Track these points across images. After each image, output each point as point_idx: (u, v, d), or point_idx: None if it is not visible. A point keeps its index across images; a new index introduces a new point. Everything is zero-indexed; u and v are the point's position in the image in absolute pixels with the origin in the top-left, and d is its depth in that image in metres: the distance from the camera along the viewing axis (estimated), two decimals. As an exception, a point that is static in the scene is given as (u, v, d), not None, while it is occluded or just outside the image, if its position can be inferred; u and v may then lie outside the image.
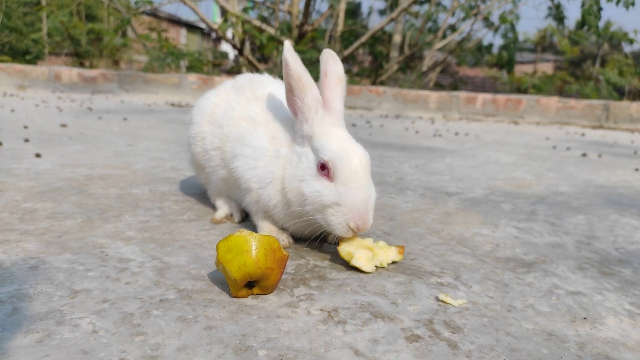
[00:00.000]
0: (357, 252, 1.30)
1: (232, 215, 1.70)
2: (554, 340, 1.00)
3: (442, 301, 1.14)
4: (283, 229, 1.50)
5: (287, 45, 1.34)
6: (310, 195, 1.30)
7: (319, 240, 1.47)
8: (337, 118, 1.41)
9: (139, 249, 1.37)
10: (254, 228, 1.55)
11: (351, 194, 1.28)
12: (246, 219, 1.69)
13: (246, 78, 1.71)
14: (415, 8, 13.37)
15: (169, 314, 1.01)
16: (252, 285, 1.11)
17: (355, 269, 1.31)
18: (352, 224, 1.27)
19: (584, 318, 1.11)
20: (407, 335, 0.98)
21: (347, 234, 1.30)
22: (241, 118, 1.54)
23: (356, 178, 1.29)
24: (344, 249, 1.31)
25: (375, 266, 1.32)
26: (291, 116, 1.46)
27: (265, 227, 1.49)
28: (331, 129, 1.36)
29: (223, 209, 1.70)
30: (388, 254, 1.34)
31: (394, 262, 1.37)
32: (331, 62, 1.43)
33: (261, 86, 1.63)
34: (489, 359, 0.91)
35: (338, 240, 1.35)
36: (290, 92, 1.37)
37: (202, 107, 1.72)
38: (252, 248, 1.08)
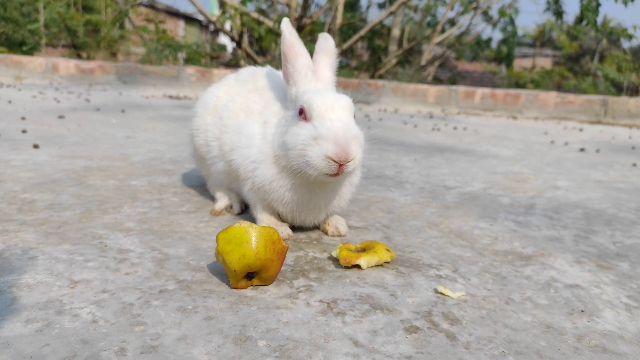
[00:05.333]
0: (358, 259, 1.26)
1: (231, 207, 1.70)
2: (552, 332, 1.01)
3: (441, 293, 1.14)
4: (283, 220, 1.51)
5: (286, 20, 1.43)
6: (290, 141, 1.29)
7: (318, 230, 1.47)
8: (326, 85, 1.45)
9: (138, 240, 1.37)
10: (253, 220, 1.55)
11: (326, 124, 1.25)
12: (245, 211, 1.69)
13: (248, 71, 1.73)
14: (414, 1, 13.30)
15: (169, 305, 1.01)
16: (252, 276, 1.11)
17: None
18: (331, 152, 1.21)
19: (582, 311, 1.11)
20: (406, 327, 0.99)
21: (328, 168, 1.22)
22: (240, 109, 1.56)
23: (332, 111, 1.28)
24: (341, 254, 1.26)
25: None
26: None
27: (265, 219, 1.50)
28: (316, 86, 1.40)
29: (223, 200, 1.70)
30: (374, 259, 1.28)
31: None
32: (322, 41, 1.53)
33: (262, 78, 1.65)
34: (487, 351, 0.92)
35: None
36: (284, 61, 1.43)
37: (205, 100, 1.73)
38: (252, 239, 1.08)
